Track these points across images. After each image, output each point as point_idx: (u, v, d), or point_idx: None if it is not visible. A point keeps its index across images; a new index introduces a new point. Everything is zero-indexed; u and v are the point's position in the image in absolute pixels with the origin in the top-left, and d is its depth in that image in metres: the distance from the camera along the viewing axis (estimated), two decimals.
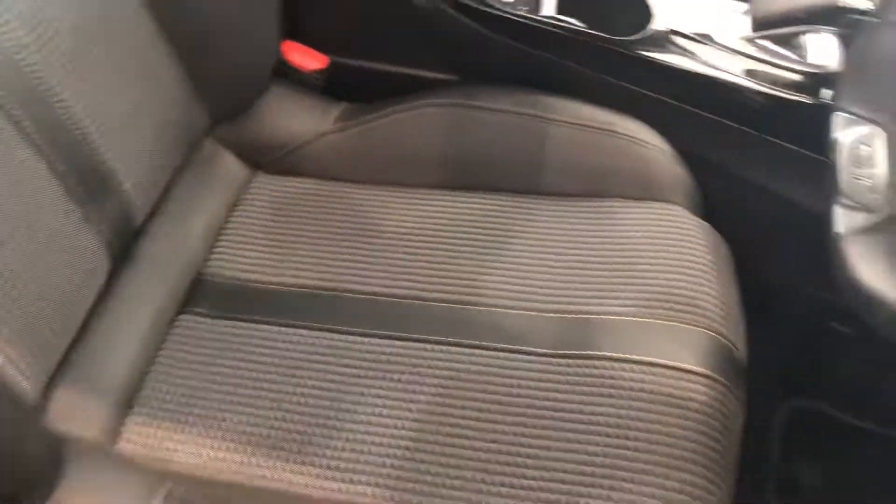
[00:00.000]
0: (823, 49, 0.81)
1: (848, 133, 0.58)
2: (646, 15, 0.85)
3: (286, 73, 0.91)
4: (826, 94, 0.80)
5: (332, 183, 0.87)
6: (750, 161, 0.84)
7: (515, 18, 0.85)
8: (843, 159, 0.57)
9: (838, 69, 0.79)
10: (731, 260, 0.81)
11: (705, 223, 0.81)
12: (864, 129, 0.58)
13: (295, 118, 0.90)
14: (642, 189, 0.82)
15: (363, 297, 0.77)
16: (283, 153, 0.89)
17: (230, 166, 0.88)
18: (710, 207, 0.85)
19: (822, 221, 0.77)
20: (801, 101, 0.80)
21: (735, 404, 0.70)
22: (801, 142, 0.82)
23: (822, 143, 0.82)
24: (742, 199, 0.85)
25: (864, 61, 0.61)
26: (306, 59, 0.91)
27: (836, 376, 0.93)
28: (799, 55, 0.82)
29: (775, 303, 0.90)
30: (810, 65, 0.81)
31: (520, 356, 0.71)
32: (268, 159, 0.89)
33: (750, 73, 0.82)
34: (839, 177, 0.56)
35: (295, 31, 0.92)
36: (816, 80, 0.80)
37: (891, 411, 0.88)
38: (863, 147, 0.57)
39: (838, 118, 0.59)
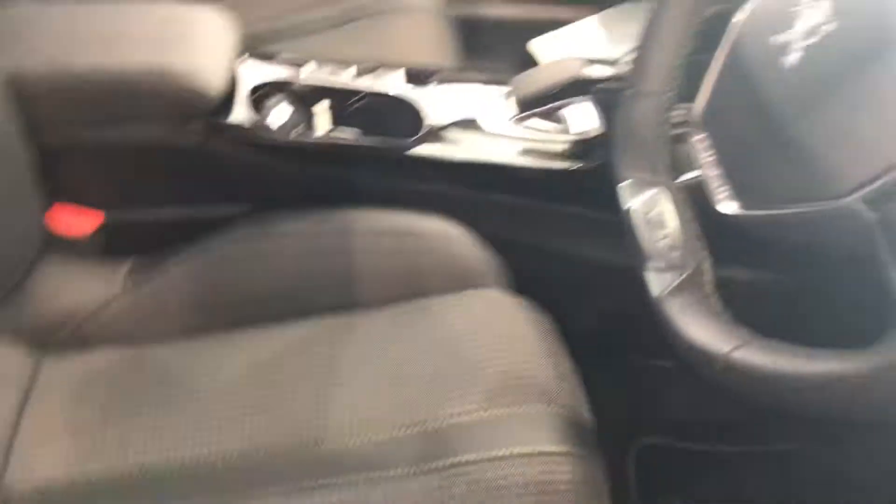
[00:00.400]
0: (584, 117, 0.88)
1: (637, 200, 0.62)
2: (418, 115, 0.87)
3: (59, 241, 0.83)
4: (596, 156, 0.86)
5: (132, 348, 0.80)
6: (547, 231, 0.88)
7: (291, 144, 0.84)
8: (640, 226, 0.60)
9: (601, 133, 0.86)
10: (553, 328, 0.83)
11: (521, 299, 0.83)
12: (649, 193, 0.62)
13: (76, 289, 0.82)
14: (456, 281, 0.82)
15: (194, 465, 0.70)
16: (71, 329, 0.81)
17: (11, 357, 0.78)
18: (522, 282, 0.87)
19: (624, 271, 0.82)
20: (575, 168, 0.86)
21: (597, 470, 0.71)
22: (584, 204, 0.88)
23: (602, 203, 0.88)
24: (549, 268, 0.89)
25: (631, 130, 0.66)
26: (78, 221, 0.84)
27: (671, 408, 0.98)
28: (564, 126, 0.88)
29: (601, 355, 0.94)
30: (575, 133, 0.87)
31: (381, 483, 0.68)
32: (55, 339, 0.80)
33: (525, 152, 0.87)
34: (641, 243, 0.60)
35: (65, 191, 0.85)
36: (584, 145, 0.86)
37: (725, 429, 0.94)
38: (653, 210, 0.61)
39: (624, 188, 0.63)
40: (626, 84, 0.68)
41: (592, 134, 0.86)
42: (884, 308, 0.45)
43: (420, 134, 0.86)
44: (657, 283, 0.57)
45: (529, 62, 1.30)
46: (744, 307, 0.57)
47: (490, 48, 1.26)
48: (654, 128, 0.65)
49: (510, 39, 1.29)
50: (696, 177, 0.64)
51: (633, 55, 0.69)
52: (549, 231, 0.88)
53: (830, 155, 0.47)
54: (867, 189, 0.45)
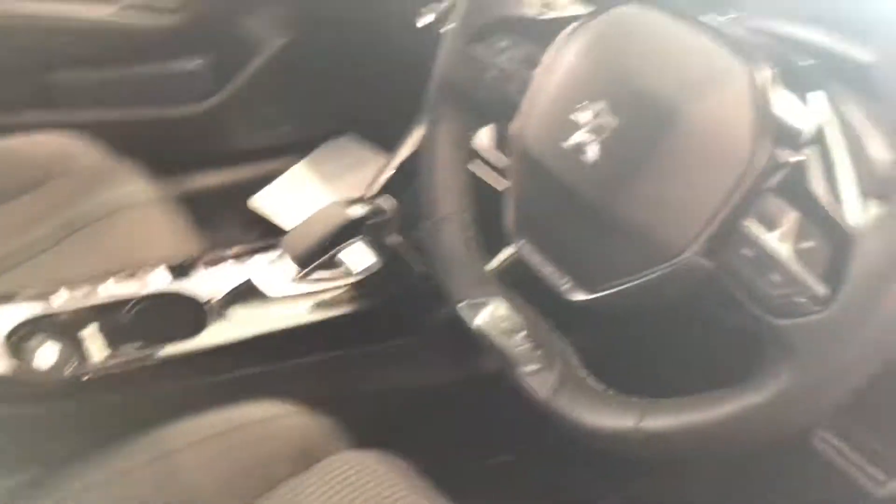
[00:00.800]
0: (361, 256, 0.89)
1: (481, 317, 0.64)
2: (198, 306, 0.82)
3: None
4: (384, 289, 0.88)
5: None
6: (366, 374, 0.87)
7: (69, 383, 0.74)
8: (497, 338, 0.62)
9: (381, 267, 0.88)
10: (409, 466, 0.81)
11: (374, 451, 0.80)
12: (489, 307, 0.64)
13: None
14: (305, 459, 0.77)
15: None
16: None
17: None
18: (364, 433, 0.84)
19: (449, 385, 0.83)
20: (369, 306, 0.87)
21: None
22: (391, 336, 0.89)
23: (406, 329, 0.90)
24: (382, 408, 0.87)
25: (443, 255, 0.68)
26: None
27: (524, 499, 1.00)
28: (346, 270, 0.88)
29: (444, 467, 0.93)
30: (358, 273, 0.88)
31: None
32: None
33: (317, 306, 0.86)
34: (506, 353, 0.61)
35: None
36: (370, 283, 0.88)
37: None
38: (501, 320, 0.63)
39: (463, 310, 0.65)
40: (427, 215, 0.70)
41: (374, 269, 0.89)
42: (753, 339, 0.51)
43: (208, 323, 0.81)
44: (539, 386, 0.59)
45: (255, 219, 1.29)
46: (609, 369, 0.61)
47: (215, 216, 1.23)
48: (462, 247, 0.68)
49: (231, 202, 1.28)
50: (506, 260, 0.67)
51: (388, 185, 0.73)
52: (367, 374, 0.87)
53: (655, 224, 0.53)
54: (698, 243, 0.52)
